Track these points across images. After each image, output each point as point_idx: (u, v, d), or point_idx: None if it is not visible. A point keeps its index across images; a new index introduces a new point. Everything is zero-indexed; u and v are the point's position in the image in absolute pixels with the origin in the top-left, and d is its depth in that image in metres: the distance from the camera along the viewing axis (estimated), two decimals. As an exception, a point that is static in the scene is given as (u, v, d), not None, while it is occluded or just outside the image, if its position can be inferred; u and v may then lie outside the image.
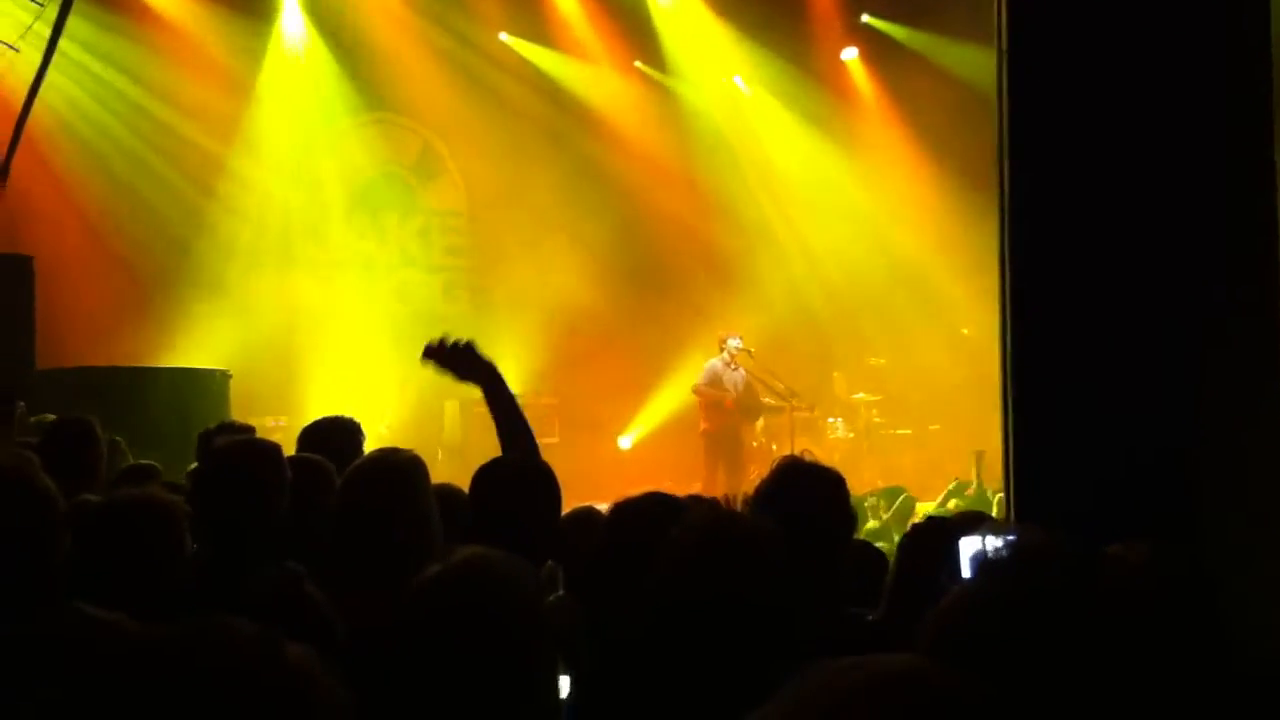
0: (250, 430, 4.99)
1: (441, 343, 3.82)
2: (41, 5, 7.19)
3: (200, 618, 1.16)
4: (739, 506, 2.09)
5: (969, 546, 2.43)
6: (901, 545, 3.00)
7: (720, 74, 14.47)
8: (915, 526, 3.21)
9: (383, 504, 3.11)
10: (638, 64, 14.15)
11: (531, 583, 2.07)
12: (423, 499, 3.18)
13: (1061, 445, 3.30)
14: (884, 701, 1.07)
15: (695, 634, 1.91)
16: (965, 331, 12.38)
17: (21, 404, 6.23)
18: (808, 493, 2.91)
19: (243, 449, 3.35)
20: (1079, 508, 3.11)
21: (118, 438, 5.90)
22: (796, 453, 4.16)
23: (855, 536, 3.39)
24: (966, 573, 2.35)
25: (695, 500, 3.24)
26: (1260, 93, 3.23)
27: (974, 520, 2.98)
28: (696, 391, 12.02)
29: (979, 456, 10.29)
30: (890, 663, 1.12)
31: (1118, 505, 3.10)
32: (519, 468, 3.39)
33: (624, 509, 2.81)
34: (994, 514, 6.29)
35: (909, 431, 13.65)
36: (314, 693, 1.14)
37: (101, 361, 9.75)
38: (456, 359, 3.80)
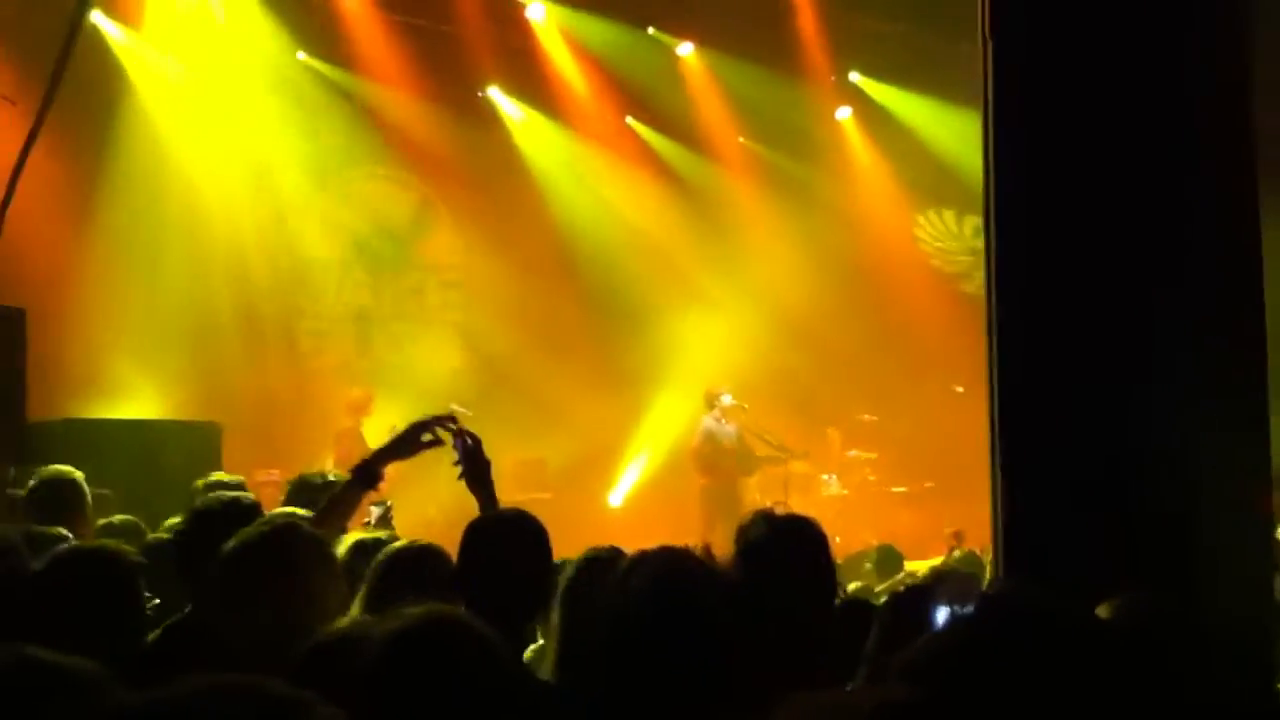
0: (240, 485, 4.97)
1: (475, 443, 3.81)
2: (13, 103, 7.36)
3: (231, 676, 1.13)
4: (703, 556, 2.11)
5: (944, 613, 2.42)
6: (880, 614, 2.96)
7: (717, 134, 14.51)
8: (895, 595, 3.17)
9: None
10: (629, 120, 14.20)
11: (491, 639, 2.06)
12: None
13: (1049, 497, 3.28)
14: None
15: (654, 674, 1.92)
16: (959, 389, 12.35)
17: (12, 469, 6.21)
18: (784, 547, 2.94)
19: (224, 509, 3.36)
20: (1066, 561, 3.10)
21: (106, 491, 5.87)
22: (773, 506, 4.22)
23: (846, 594, 3.36)
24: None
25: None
26: (1240, 126, 3.25)
27: (948, 580, 2.96)
28: (695, 454, 12.17)
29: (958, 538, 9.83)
30: (883, 693, 1.09)
31: (1105, 559, 3.08)
32: (511, 521, 3.40)
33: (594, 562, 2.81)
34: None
35: (904, 489, 13.60)
36: None
37: (92, 414, 9.73)
38: (476, 466, 3.82)
